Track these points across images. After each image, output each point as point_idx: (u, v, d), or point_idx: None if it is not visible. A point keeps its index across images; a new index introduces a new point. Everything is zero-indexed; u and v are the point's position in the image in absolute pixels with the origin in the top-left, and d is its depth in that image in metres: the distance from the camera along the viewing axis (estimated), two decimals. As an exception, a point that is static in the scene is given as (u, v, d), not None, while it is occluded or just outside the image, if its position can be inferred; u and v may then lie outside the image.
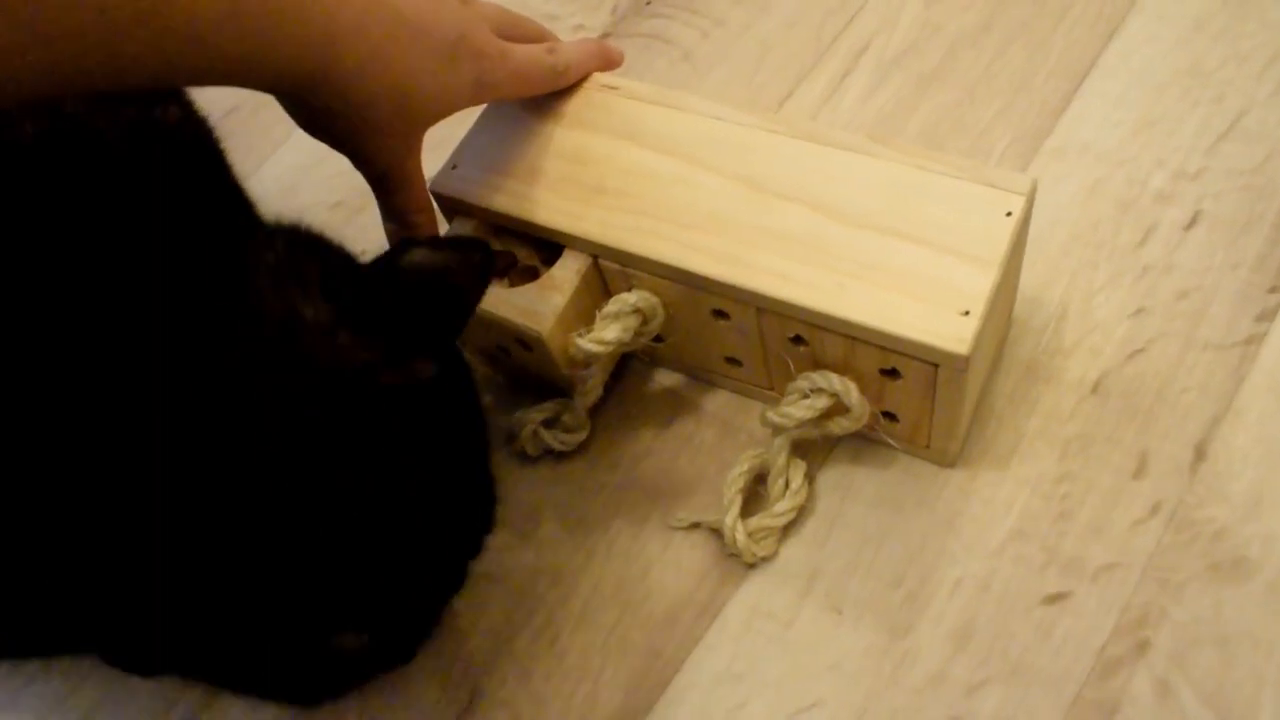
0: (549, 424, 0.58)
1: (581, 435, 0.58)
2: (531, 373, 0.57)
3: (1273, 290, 0.58)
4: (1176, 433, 0.55)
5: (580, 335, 0.53)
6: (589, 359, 0.53)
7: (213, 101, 0.77)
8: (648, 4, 0.76)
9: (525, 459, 0.59)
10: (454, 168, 0.56)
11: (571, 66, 0.56)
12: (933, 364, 0.47)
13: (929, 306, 0.47)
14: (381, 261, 0.46)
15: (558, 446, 0.58)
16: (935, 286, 0.47)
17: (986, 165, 0.50)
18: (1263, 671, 0.49)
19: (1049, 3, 0.70)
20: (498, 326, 0.53)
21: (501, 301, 0.53)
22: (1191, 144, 0.63)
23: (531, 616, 0.55)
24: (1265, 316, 0.57)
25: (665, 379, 0.61)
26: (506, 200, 0.54)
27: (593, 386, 0.55)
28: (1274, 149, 0.62)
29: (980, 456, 0.56)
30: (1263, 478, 0.53)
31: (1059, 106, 0.66)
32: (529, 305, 0.53)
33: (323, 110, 0.47)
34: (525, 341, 0.54)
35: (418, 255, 0.45)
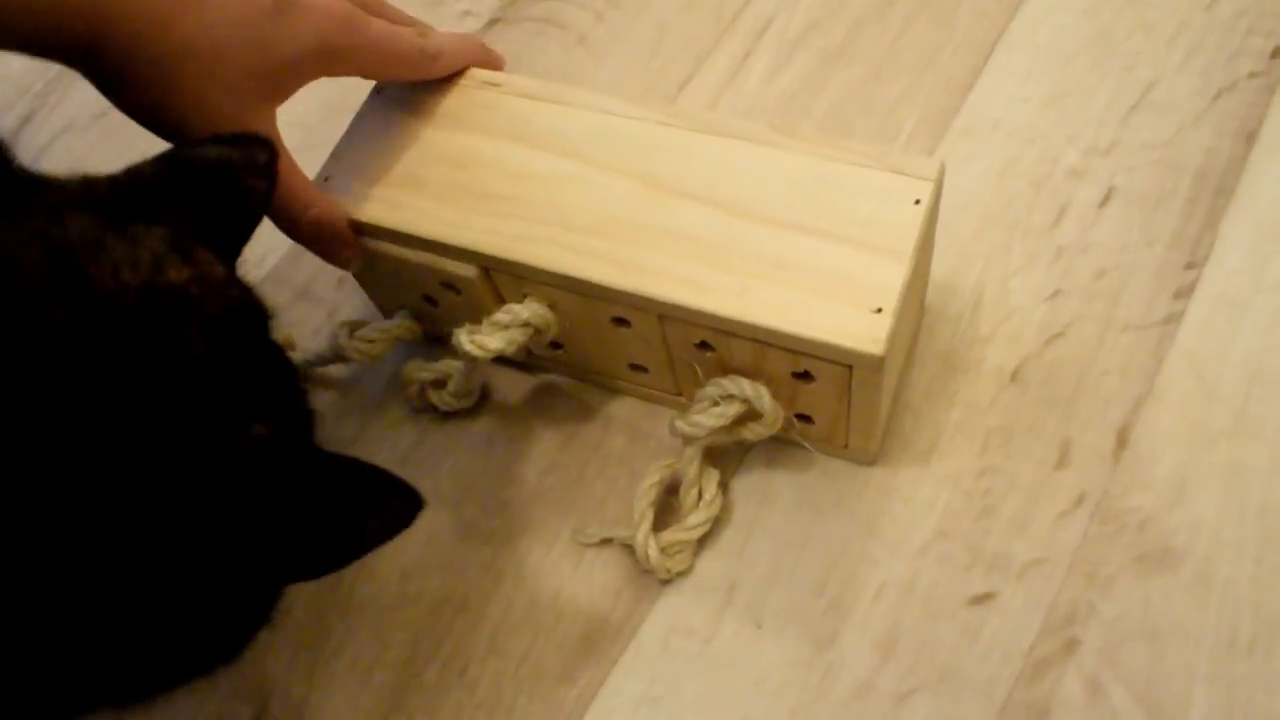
0: (438, 385, 0.56)
1: (467, 403, 0.57)
2: (450, 324, 0.53)
3: (1189, 266, 0.57)
4: (1098, 419, 0.53)
5: (467, 332, 0.49)
6: (467, 358, 0.50)
7: (79, 106, 0.73)
8: (539, -14, 0.72)
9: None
10: (326, 179, 0.52)
11: (445, 53, 0.53)
12: (846, 365, 0.45)
13: (839, 305, 0.44)
14: (155, 159, 0.41)
15: (442, 406, 0.56)
16: (844, 283, 0.45)
17: (892, 151, 0.48)
18: (1193, 664, 0.48)
19: (953, -26, 0.68)
20: (428, 269, 0.51)
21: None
22: (1102, 117, 0.62)
23: (439, 646, 0.52)
24: (1182, 294, 0.56)
25: (567, 387, 0.58)
26: (384, 212, 0.51)
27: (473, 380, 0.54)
28: (1184, 120, 0.61)
29: (899, 453, 0.54)
30: (1185, 460, 0.52)
31: (966, 82, 0.64)
32: None
33: (119, 74, 0.42)
34: (455, 285, 0.51)
35: (194, 151, 0.41)
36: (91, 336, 0.34)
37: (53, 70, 0.75)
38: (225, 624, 0.42)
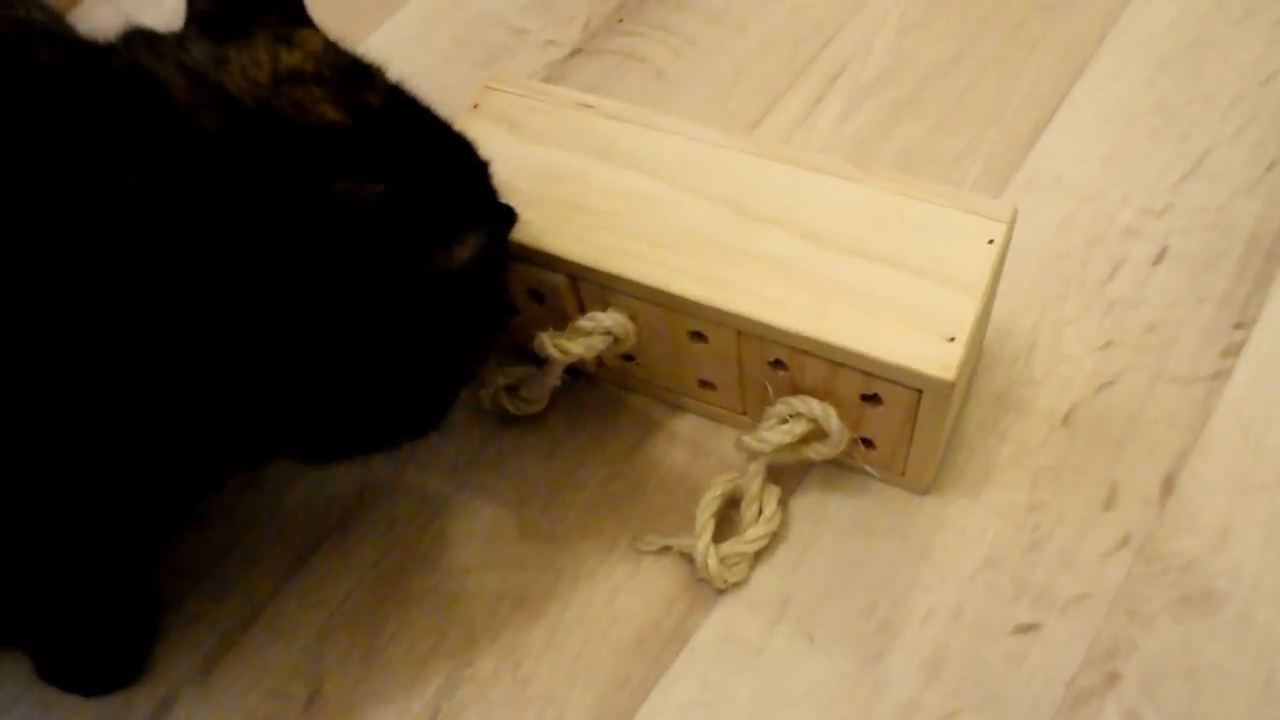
0: (510, 390, 0.58)
1: (537, 408, 0.59)
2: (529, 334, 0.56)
3: (1238, 326, 0.59)
4: (1145, 465, 0.55)
5: (550, 336, 0.52)
6: (548, 359, 0.52)
7: None
8: (620, 21, 0.76)
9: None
10: None
11: None
12: (916, 389, 0.47)
13: (914, 332, 0.47)
14: None
15: (513, 410, 0.59)
16: (919, 312, 0.47)
17: (966, 193, 0.50)
18: (1231, 702, 0.49)
19: (1019, 36, 0.71)
20: (517, 276, 0.53)
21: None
22: (1158, 181, 0.64)
23: (495, 640, 0.54)
24: (1230, 352, 0.58)
25: (634, 401, 0.60)
26: None
27: (549, 382, 0.56)
28: (1237, 188, 0.63)
29: (952, 485, 0.55)
30: (1230, 510, 0.54)
31: (1029, 139, 0.67)
32: None
33: None
34: (541, 292, 0.54)
35: None
36: (239, 134, 0.41)
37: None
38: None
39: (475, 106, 0.57)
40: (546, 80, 0.72)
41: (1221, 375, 0.57)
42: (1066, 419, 0.57)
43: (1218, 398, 0.57)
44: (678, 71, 0.73)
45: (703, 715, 0.51)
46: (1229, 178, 0.64)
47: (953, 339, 0.46)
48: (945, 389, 0.46)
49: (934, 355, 0.46)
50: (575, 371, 0.60)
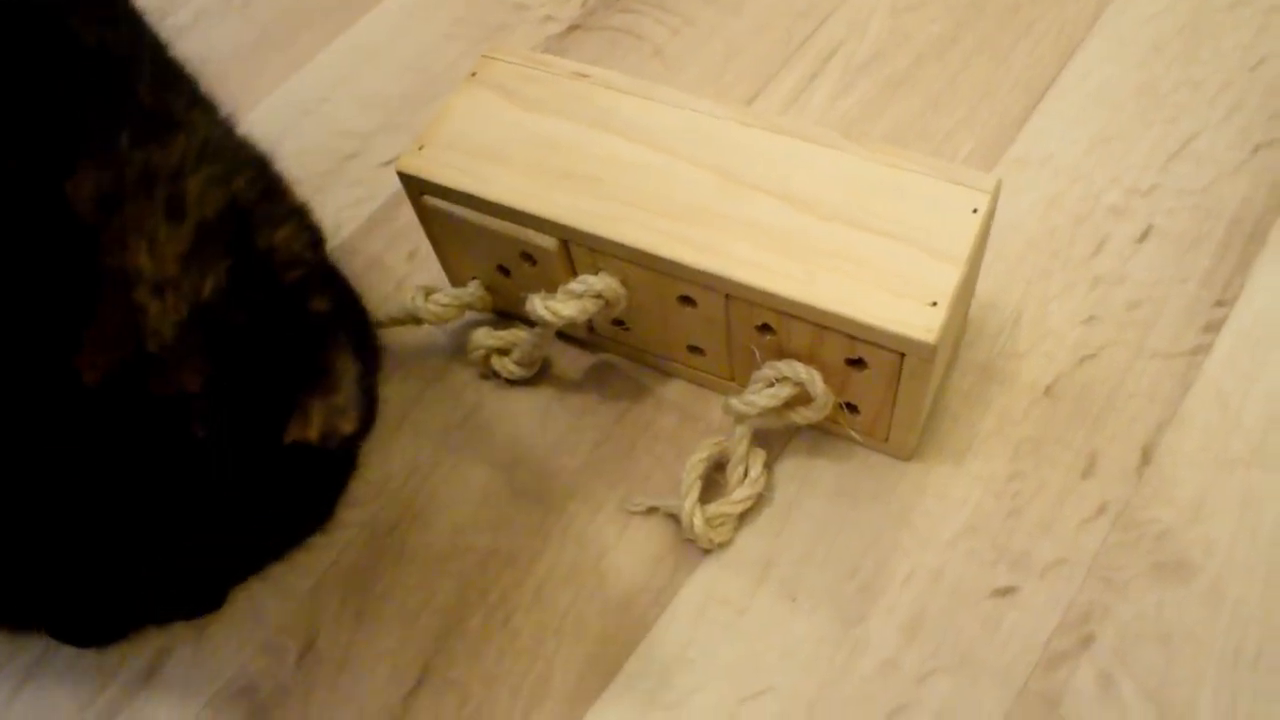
0: (502, 353, 0.60)
1: (528, 372, 0.60)
2: (520, 298, 0.56)
3: (1219, 304, 0.60)
4: (1124, 437, 0.56)
5: (542, 299, 0.53)
6: (539, 323, 0.53)
7: (211, 46, 0.77)
8: (618, -1, 0.77)
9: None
10: (420, 148, 0.56)
11: None
12: (899, 353, 0.48)
13: (898, 297, 0.48)
14: None
15: (504, 374, 0.60)
16: (904, 279, 0.48)
17: (953, 165, 0.51)
18: (1202, 669, 0.50)
19: (1013, 19, 0.72)
20: (509, 239, 0.54)
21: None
22: (1145, 162, 0.65)
23: (485, 596, 0.55)
24: (1211, 328, 0.59)
25: (624, 367, 0.61)
26: (472, 181, 0.54)
27: (538, 350, 0.57)
28: (1222, 170, 0.64)
29: (935, 453, 0.57)
30: (1205, 483, 0.55)
31: (1019, 119, 0.68)
32: None
33: None
34: (533, 255, 0.55)
35: None
36: None
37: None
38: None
39: (473, 75, 0.58)
40: (545, 55, 0.74)
41: (1201, 350, 0.58)
42: (1048, 390, 0.58)
43: (1197, 372, 0.58)
44: (674, 49, 0.74)
45: (686, 671, 0.52)
46: (1215, 160, 0.65)
47: (935, 304, 0.47)
48: (927, 352, 0.47)
49: (917, 319, 0.47)
50: (566, 337, 0.61)
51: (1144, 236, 0.62)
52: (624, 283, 0.53)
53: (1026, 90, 0.69)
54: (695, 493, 0.54)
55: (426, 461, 0.59)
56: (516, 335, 0.58)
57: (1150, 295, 0.61)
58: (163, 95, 0.45)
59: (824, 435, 0.57)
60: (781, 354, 0.52)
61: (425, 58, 0.76)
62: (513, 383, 0.61)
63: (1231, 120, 0.66)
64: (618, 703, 0.52)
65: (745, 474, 0.55)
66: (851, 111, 0.69)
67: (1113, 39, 0.70)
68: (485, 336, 0.59)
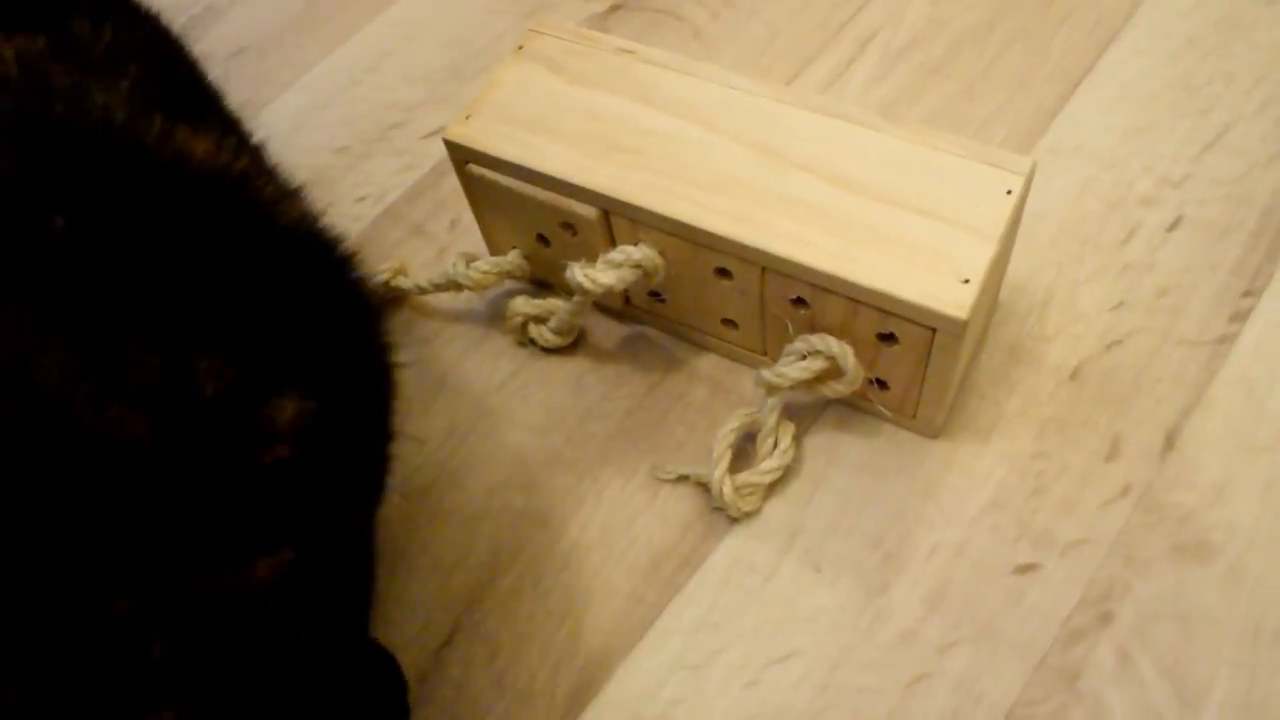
0: (539, 321, 0.61)
1: (565, 340, 0.61)
2: (559, 268, 0.57)
3: (1247, 294, 0.61)
4: (1149, 420, 0.57)
5: (581, 267, 0.54)
6: (578, 290, 0.54)
7: (218, 42, 0.79)
8: (661, -20, 0.78)
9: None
10: (467, 118, 0.57)
11: None
12: (930, 328, 0.49)
13: (931, 274, 0.49)
14: None
15: (541, 342, 0.61)
16: (938, 256, 0.49)
17: (989, 147, 0.52)
18: (1219, 649, 0.51)
19: (1050, 9, 0.73)
20: (550, 208, 0.55)
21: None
22: (1177, 152, 0.66)
23: (517, 556, 0.57)
24: (1238, 317, 0.60)
25: (658, 339, 0.62)
26: (518, 150, 0.56)
27: (575, 319, 0.58)
28: (1255, 162, 0.65)
29: (962, 431, 0.58)
30: (1228, 468, 0.56)
31: (1054, 108, 0.68)
32: None
33: None
34: (574, 225, 0.56)
35: None
36: None
37: (200, 5, 0.80)
38: None
39: (520, 48, 0.60)
40: (587, 33, 0.75)
41: (1228, 339, 0.59)
42: (1075, 374, 0.59)
43: (1223, 360, 0.59)
44: (714, 32, 0.75)
45: (711, 635, 0.54)
46: (1248, 152, 0.65)
47: (967, 281, 0.48)
48: (958, 328, 0.48)
49: (949, 295, 0.48)
50: (602, 309, 0.62)
51: (1175, 225, 0.63)
52: (662, 254, 0.55)
53: (1062, 80, 0.70)
54: (725, 462, 0.55)
55: (464, 424, 0.61)
56: (554, 304, 0.60)
57: (1179, 283, 0.61)
58: None
59: (853, 411, 0.58)
60: (814, 328, 0.54)
61: (469, 33, 0.78)
62: (549, 351, 0.62)
63: (1265, 113, 0.67)
64: (645, 661, 0.53)
65: (775, 445, 0.56)
66: (888, 97, 0.70)
67: (1149, 31, 0.71)
68: (523, 304, 0.61)
